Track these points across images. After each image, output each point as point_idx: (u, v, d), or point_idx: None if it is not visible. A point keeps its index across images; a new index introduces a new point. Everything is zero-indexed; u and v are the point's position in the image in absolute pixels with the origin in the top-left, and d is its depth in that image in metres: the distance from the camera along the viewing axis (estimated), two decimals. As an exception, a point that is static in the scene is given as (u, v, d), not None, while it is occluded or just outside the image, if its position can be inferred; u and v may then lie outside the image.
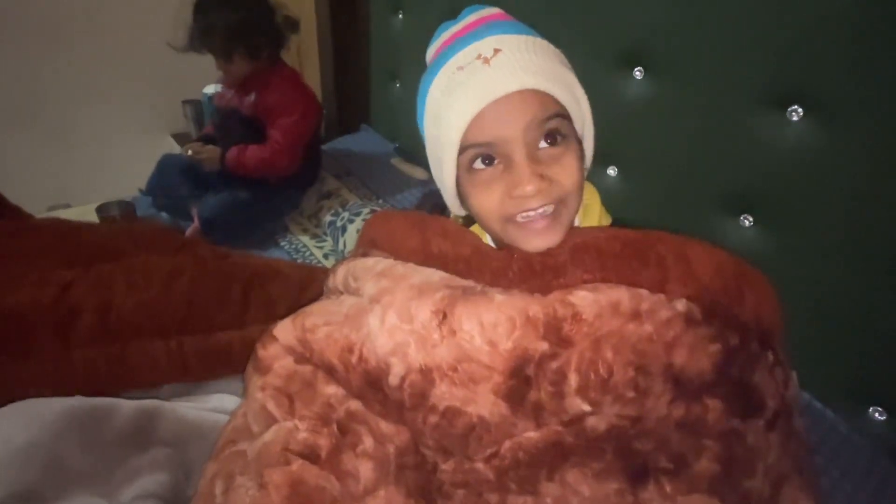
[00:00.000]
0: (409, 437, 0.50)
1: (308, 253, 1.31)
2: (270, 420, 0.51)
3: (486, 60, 0.49)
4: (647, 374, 0.46)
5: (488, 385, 0.46)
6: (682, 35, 0.92)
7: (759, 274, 0.53)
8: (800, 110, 0.81)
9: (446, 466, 0.48)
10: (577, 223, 0.57)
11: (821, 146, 0.80)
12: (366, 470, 0.48)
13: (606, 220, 0.61)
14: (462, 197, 0.55)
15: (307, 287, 0.98)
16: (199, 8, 1.29)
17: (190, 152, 1.37)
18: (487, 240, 0.59)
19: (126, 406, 0.62)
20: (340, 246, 1.26)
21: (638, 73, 1.00)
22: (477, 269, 0.53)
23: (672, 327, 0.46)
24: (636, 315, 0.47)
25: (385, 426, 0.50)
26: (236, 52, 1.30)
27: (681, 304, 0.47)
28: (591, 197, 0.61)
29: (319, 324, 0.53)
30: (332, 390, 0.51)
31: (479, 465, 0.47)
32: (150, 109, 2.07)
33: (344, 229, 1.27)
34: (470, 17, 0.55)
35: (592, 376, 0.46)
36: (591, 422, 0.46)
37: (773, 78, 0.83)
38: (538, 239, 0.50)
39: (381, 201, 1.44)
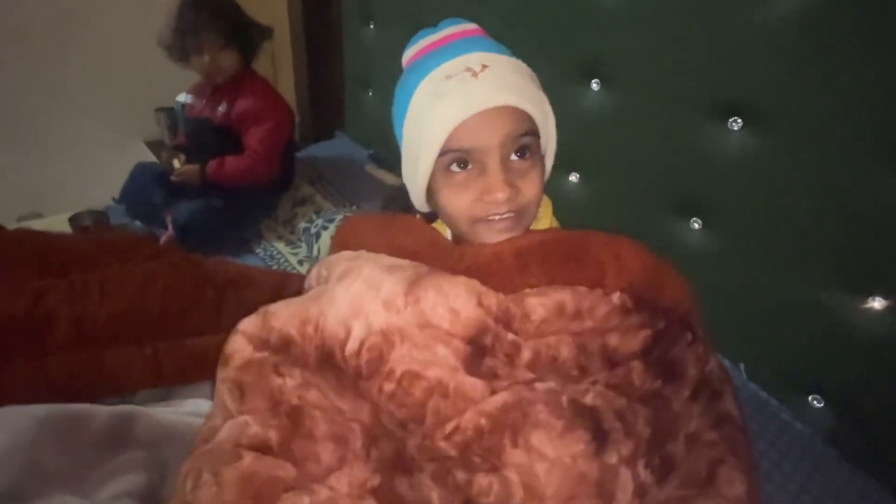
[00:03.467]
0: (371, 412, 0.51)
1: (283, 259, 1.33)
2: (227, 413, 0.53)
3: (475, 74, 0.53)
4: (587, 353, 0.51)
5: (448, 349, 0.50)
6: (634, 51, 0.98)
7: (673, 268, 0.59)
8: (739, 121, 0.87)
9: (411, 443, 0.50)
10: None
11: (757, 154, 0.86)
12: (325, 452, 0.49)
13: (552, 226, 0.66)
14: (431, 194, 0.59)
15: (281, 292, 1.01)
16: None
17: (177, 163, 1.39)
18: (447, 234, 0.64)
19: (102, 411, 0.64)
20: (315, 252, 1.29)
21: (595, 85, 1.06)
22: (433, 262, 0.57)
23: (610, 319, 0.52)
24: (578, 314, 0.52)
25: (345, 405, 0.51)
26: (232, 45, 1.32)
27: (616, 297, 0.53)
28: (543, 208, 0.66)
29: (282, 307, 0.56)
30: (279, 381, 0.53)
31: (441, 444, 0.49)
32: (123, 117, 2.06)
33: (318, 236, 1.29)
34: (451, 29, 0.59)
35: (544, 353, 0.50)
36: (540, 385, 0.50)
37: (715, 92, 0.89)
38: (499, 236, 0.56)
39: (354, 207, 1.47)
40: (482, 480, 0.48)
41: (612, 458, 0.48)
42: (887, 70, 0.71)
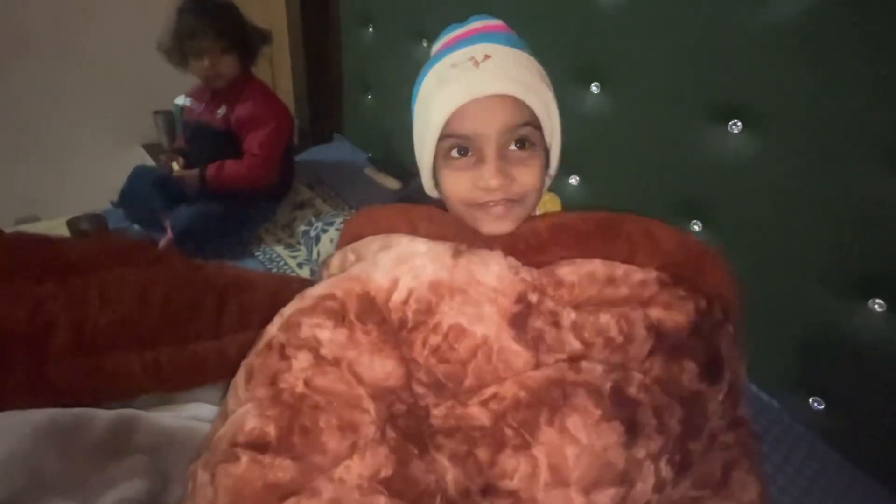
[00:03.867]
0: (402, 375, 0.49)
1: (283, 263, 1.33)
2: (238, 400, 0.52)
3: (477, 63, 0.55)
4: (629, 321, 0.50)
5: (495, 307, 0.50)
6: (633, 54, 0.98)
7: (719, 255, 0.58)
8: (739, 124, 0.87)
9: (438, 412, 0.49)
10: None
11: (757, 157, 0.86)
12: (332, 440, 0.47)
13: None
14: (436, 178, 0.61)
15: (281, 296, 1.00)
16: (200, 2, 1.31)
17: (176, 166, 1.38)
18: None
19: (103, 416, 0.64)
20: (315, 255, 1.28)
21: (595, 88, 1.06)
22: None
23: (647, 288, 0.52)
24: (612, 280, 0.52)
25: (379, 363, 0.49)
26: (231, 50, 1.32)
27: (651, 272, 0.53)
28: (552, 206, 0.67)
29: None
30: (283, 365, 0.50)
31: (474, 410, 0.48)
32: (120, 120, 2.05)
33: (318, 239, 1.29)
34: (475, 24, 0.62)
35: (587, 314, 0.50)
36: (587, 365, 0.49)
37: (715, 95, 0.89)
38: (494, 223, 0.56)
39: (353, 211, 1.47)
40: (508, 461, 0.46)
41: (641, 453, 0.48)
42: (887, 73, 0.72)
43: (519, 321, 0.50)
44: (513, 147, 0.55)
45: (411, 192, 0.65)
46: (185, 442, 0.66)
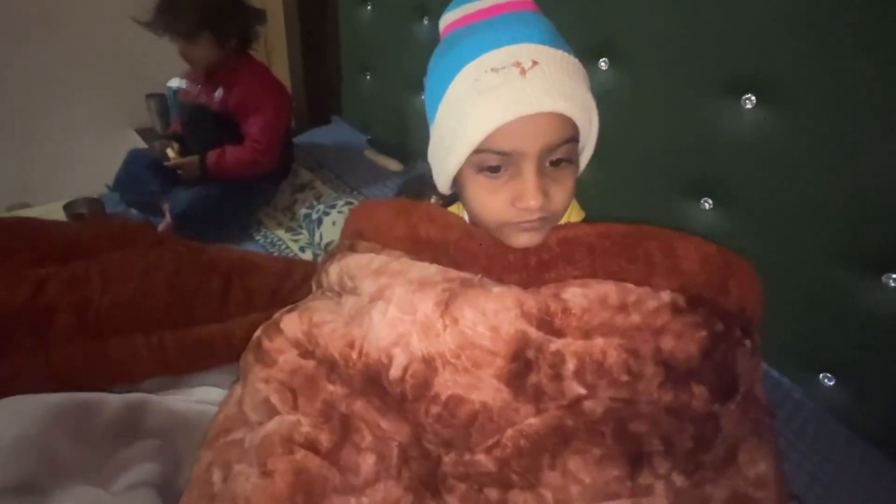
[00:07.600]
0: (410, 433, 0.51)
1: (284, 246, 1.31)
2: (273, 412, 0.53)
3: (524, 71, 0.49)
4: (638, 357, 0.49)
5: (491, 370, 0.48)
6: (644, 28, 0.96)
7: (746, 266, 0.56)
8: (753, 99, 0.86)
9: (448, 459, 0.50)
10: None
11: (772, 132, 0.85)
12: (366, 464, 0.50)
13: (577, 216, 0.63)
14: (457, 183, 0.56)
15: (286, 279, 0.99)
16: None
17: (171, 152, 1.35)
18: (467, 220, 0.61)
19: (114, 399, 0.62)
20: (317, 238, 1.27)
21: (603, 64, 1.04)
22: (470, 253, 0.54)
23: (660, 316, 0.50)
24: (623, 307, 0.50)
25: (386, 424, 0.51)
26: (202, 35, 1.26)
27: (666, 295, 0.50)
28: None
29: (327, 320, 0.54)
30: (333, 388, 0.53)
31: (481, 457, 0.49)
32: (112, 104, 2.00)
33: (320, 222, 1.27)
34: None
35: (588, 360, 0.48)
36: (589, 405, 0.49)
37: (728, 69, 0.87)
38: (524, 237, 0.53)
39: (355, 193, 1.45)
40: (517, 497, 0.48)
41: (648, 479, 0.48)
42: (906, 44, 0.70)
43: (517, 380, 0.48)
44: (549, 163, 0.51)
45: (417, 178, 0.61)
46: (195, 426, 0.65)
